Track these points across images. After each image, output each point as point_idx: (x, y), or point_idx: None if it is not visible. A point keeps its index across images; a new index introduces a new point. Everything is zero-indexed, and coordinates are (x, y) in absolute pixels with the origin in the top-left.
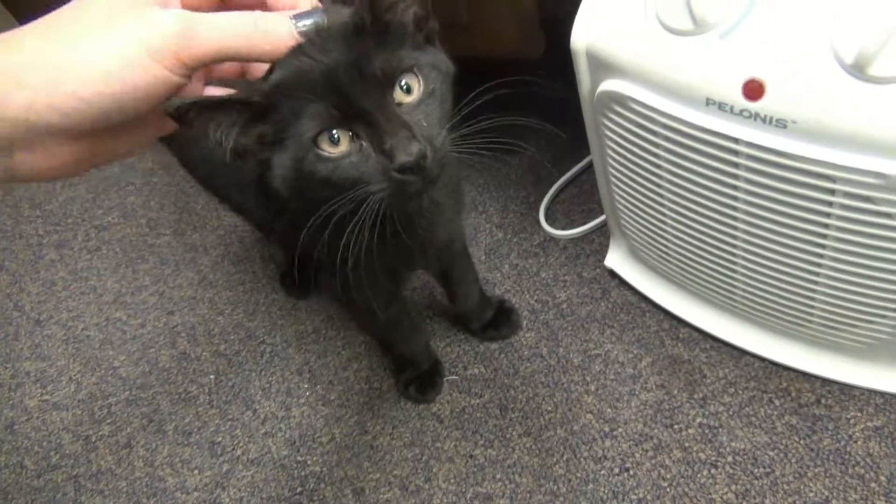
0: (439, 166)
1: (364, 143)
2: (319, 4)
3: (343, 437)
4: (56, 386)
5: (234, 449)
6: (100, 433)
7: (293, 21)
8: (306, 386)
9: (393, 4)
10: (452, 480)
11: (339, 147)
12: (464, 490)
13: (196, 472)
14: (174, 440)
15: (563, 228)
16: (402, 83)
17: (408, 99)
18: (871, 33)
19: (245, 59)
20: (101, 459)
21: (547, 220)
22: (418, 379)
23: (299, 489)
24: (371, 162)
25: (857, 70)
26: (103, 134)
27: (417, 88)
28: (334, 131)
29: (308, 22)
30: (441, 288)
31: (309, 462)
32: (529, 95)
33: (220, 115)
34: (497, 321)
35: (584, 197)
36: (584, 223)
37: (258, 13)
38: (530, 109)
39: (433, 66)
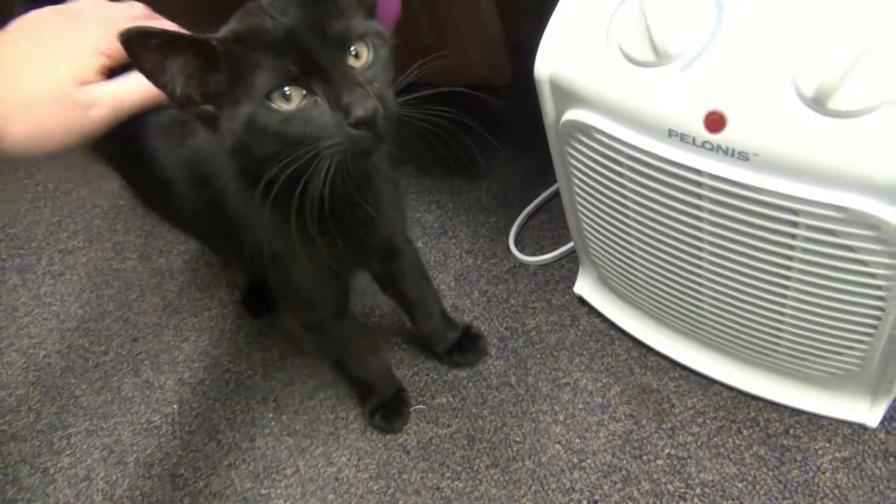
0: (389, 125)
1: (319, 99)
2: None
3: (308, 469)
4: (15, 416)
5: (195, 482)
6: (59, 465)
7: None
8: (271, 415)
9: None
10: None
11: (290, 103)
12: None
13: None
14: (135, 472)
15: (533, 254)
16: (353, 49)
17: (358, 63)
18: (831, 67)
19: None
20: (60, 493)
21: (517, 245)
22: (383, 407)
23: None
24: (326, 117)
25: (818, 104)
26: None
27: (366, 54)
28: (286, 88)
29: None
30: (402, 308)
31: (272, 495)
32: (497, 118)
33: (175, 53)
34: (462, 346)
35: (554, 223)
36: (554, 249)
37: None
38: (498, 131)
39: (378, 35)
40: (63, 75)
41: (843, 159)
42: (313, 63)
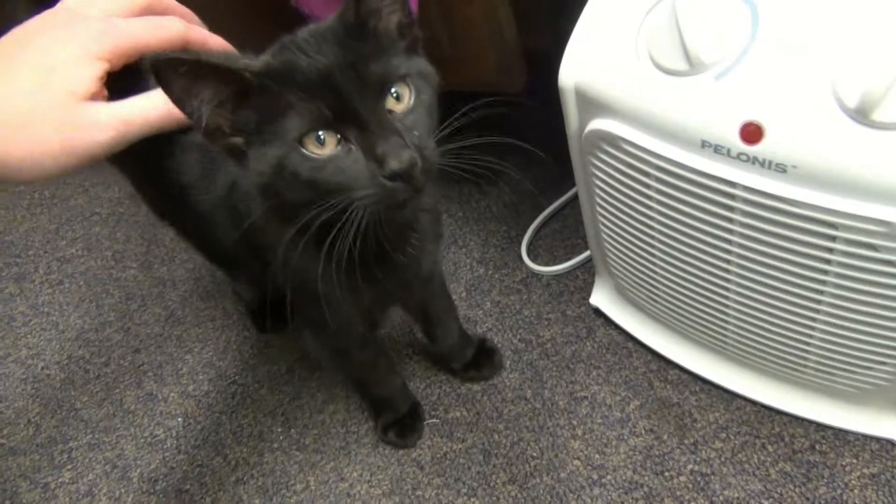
0: (427, 177)
1: (353, 147)
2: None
3: (318, 485)
4: (13, 429)
5: (202, 497)
6: (59, 480)
7: None
8: (279, 430)
9: (376, 9)
10: None
11: (324, 148)
12: None
13: None
14: (139, 488)
15: (546, 264)
16: (394, 91)
17: (398, 107)
18: (875, 77)
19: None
20: None
21: (529, 255)
22: (398, 423)
23: None
24: (359, 166)
25: (861, 115)
26: None
27: (408, 97)
28: (321, 132)
29: None
30: (420, 326)
31: None
32: (513, 125)
33: (205, 81)
34: (478, 361)
35: (567, 232)
36: (568, 259)
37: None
38: (514, 138)
39: (422, 76)
40: (60, 91)
41: (886, 172)
42: (348, 107)
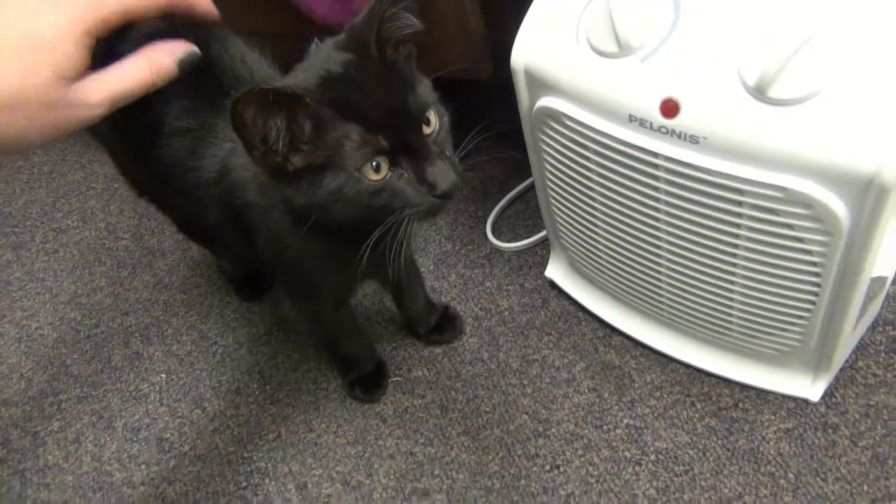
0: (461, 189)
1: (404, 172)
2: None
3: (289, 435)
4: (6, 383)
5: (181, 445)
6: (49, 429)
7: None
8: (255, 386)
9: (390, 39)
10: (392, 476)
11: (379, 174)
12: (403, 486)
13: (143, 467)
14: (123, 436)
15: (509, 241)
16: (426, 118)
17: (428, 130)
18: (771, 59)
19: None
20: (49, 454)
21: (493, 233)
22: (364, 379)
23: (244, 484)
24: (412, 188)
25: (759, 92)
26: None
27: (435, 121)
28: (377, 160)
29: (185, 56)
30: (390, 294)
31: (255, 458)
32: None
33: (278, 108)
34: (441, 326)
35: (529, 213)
36: (528, 237)
37: (148, 51)
38: (482, 129)
39: (435, 97)
40: (49, 74)
41: (781, 143)
42: (402, 139)
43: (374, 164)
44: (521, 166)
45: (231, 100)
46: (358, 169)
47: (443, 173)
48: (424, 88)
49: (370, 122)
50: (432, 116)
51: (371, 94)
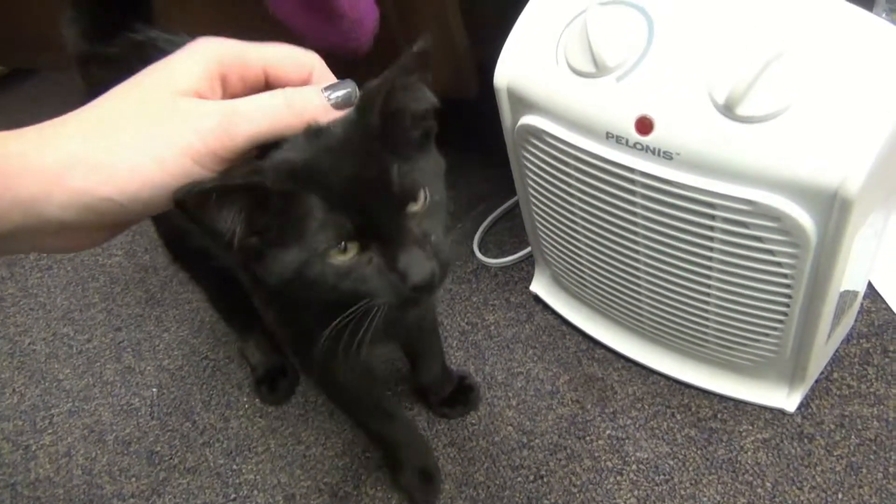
0: (444, 278)
1: (374, 257)
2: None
3: (277, 447)
4: None
5: (171, 458)
6: (40, 443)
7: (325, 94)
8: (245, 399)
9: (401, 109)
10: (380, 487)
11: (346, 255)
12: (389, 496)
13: (133, 479)
14: (114, 449)
15: (495, 257)
16: (410, 197)
17: (414, 208)
18: (738, 78)
19: (280, 137)
20: (40, 468)
21: (480, 249)
22: (421, 474)
23: (233, 496)
24: (381, 277)
25: (728, 110)
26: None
27: (423, 200)
28: (344, 243)
29: (340, 93)
30: (408, 360)
31: (244, 470)
32: (469, 132)
33: (232, 198)
34: (454, 399)
35: (515, 230)
36: (514, 253)
37: (288, 90)
38: (468, 145)
39: (433, 173)
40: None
41: (750, 159)
42: (372, 220)
43: (340, 245)
44: (507, 184)
45: (173, 198)
46: (322, 249)
47: (417, 262)
48: (420, 162)
49: (335, 199)
50: (420, 195)
51: (345, 166)
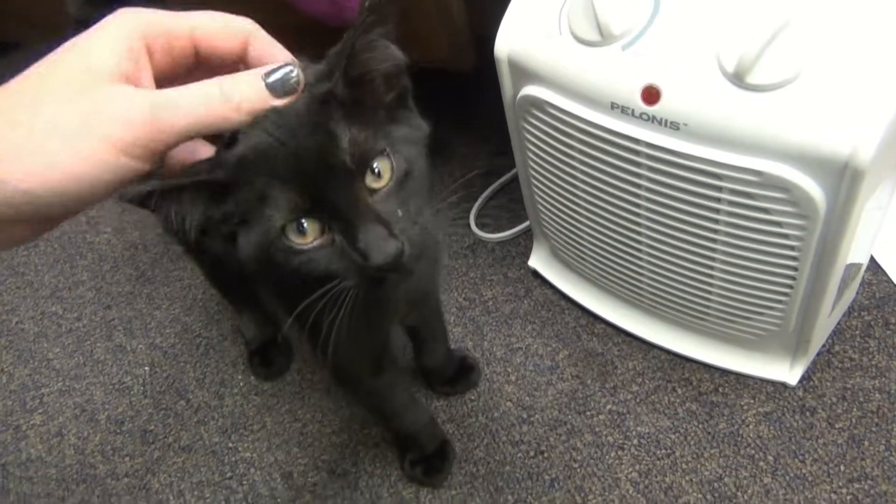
0: (419, 257)
1: (337, 237)
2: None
3: (274, 425)
4: None
5: (165, 436)
6: (31, 422)
7: (264, 78)
8: (240, 377)
9: (369, 71)
10: (378, 464)
11: (307, 237)
12: (388, 473)
13: (127, 458)
14: (106, 428)
15: (493, 232)
16: (374, 167)
17: (379, 185)
18: (748, 46)
19: (219, 132)
20: (32, 448)
21: (477, 224)
22: (425, 461)
23: (229, 474)
24: (345, 258)
25: (737, 79)
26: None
27: (389, 172)
28: (303, 220)
29: (276, 77)
30: (412, 343)
31: (240, 448)
32: (466, 104)
33: (181, 196)
34: (456, 378)
35: (513, 204)
36: (512, 227)
37: (225, 81)
38: (465, 118)
39: (408, 141)
40: None
41: (759, 128)
42: (322, 195)
43: (300, 225)
44: (504, 158)
45: (125, 199)
46: (281, 229)
47: (377, 240)
48: (385, 126)
49: (284, 176)
50: (385, 166)
51: (292, 141)
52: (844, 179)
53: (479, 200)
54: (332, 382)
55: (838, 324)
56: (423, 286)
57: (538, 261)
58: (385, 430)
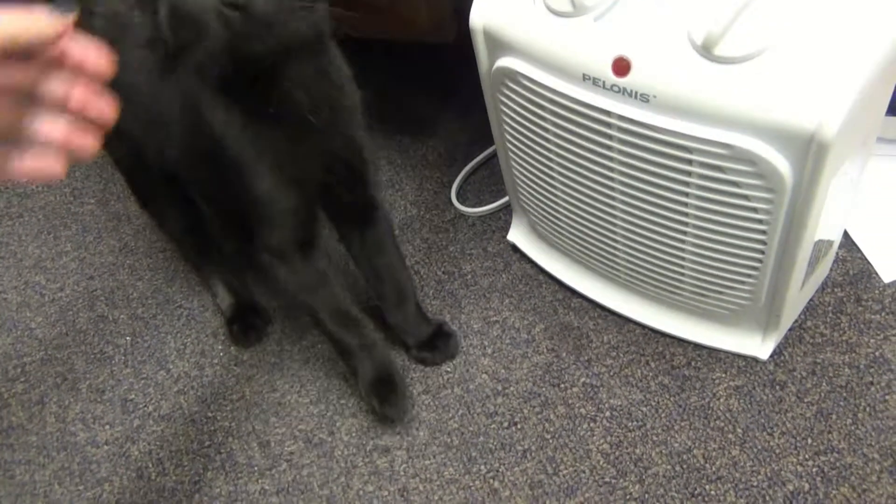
0: (270, 24)
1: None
2: None
3: (253, 395)
4: None
5: (146, 405)
6: (12, 391)
7: None
8: (220, 347)
9: None
10: (354, 434)
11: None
12: (364, 442)
13: (107, 427)
14: (87, 397)
15: (473, 206)
16: None
17: None
18: (717, 18)
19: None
20: (13, 416)
21: (458, 198)
22: (379, 382)
23: (207, 443)
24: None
25: (706, 51)
26: None
27: None
28: None
29: None
30: (375, 292)
31: (219, 417)
32: (446, 77)
33: None
34: (434, 343)
35: (494, 178)
36: (492, 202)
37: None
38: (445, 93)
39: None
40: None
41: (726, 101)
42: None
43: None
44: (486, 133)
45: None
46: None
47: None
48: None
49: None
50: None
51: None
52: (810, 154)
53: (461, 175)
54: (261, 277)
55: (811, 300)
56: (337, 128)
57: (517, 235)
58: (333, 349)
